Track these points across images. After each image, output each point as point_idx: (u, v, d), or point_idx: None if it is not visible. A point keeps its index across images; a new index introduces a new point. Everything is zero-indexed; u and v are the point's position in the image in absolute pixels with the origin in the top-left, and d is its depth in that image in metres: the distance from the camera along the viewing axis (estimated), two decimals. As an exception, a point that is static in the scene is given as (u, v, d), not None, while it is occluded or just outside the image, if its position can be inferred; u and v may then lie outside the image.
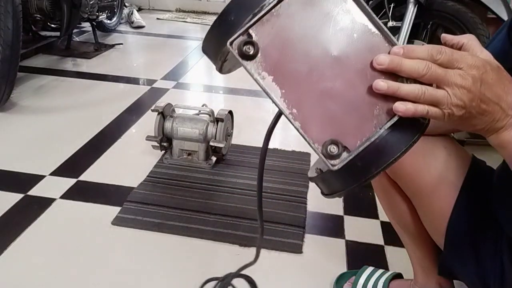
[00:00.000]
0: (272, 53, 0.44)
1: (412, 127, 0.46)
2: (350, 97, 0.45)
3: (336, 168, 0.45)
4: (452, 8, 1.69)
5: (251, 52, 0.44)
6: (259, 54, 0.44)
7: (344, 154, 0.45)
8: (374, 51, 0.44)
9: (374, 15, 0.44)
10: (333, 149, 0.44)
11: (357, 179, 0.46)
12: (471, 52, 0.49)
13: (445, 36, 0.52)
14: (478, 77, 0.44)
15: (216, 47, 0.48)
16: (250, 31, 0.44)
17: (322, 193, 0.52)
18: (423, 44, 1.78)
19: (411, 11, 1.73)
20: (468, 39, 0.50)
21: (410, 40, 1.78)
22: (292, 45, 0.44)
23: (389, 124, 0.44)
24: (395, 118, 0.44)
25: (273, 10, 0.44)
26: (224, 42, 0.44)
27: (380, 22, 0.45)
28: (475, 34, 1.61)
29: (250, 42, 0.44)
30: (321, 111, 0.45)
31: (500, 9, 1.58)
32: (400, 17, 1.78)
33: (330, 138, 0.45)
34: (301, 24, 0.44)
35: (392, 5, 1.83)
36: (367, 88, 0.45)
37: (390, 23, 1.82)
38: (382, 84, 0.43)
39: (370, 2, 2.00)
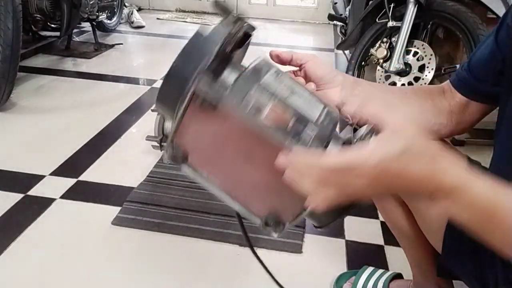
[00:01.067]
0: (200, 153, 0.48)
1: None
2: (274, 182, 0.46)
3: (277, 236, 0.50)
4: (452, 8, 1.68)
5: (181, 157, 0.47)
6: (189, 156, 0.48)
7: (281, 225, 0.49)
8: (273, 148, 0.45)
9: (263, 123, 0.45)
10: (270, 222, 0.49)
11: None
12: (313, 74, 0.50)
13: (279, 55, 0.55)
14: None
15: None
16: (175, 140, 0.46)
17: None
18: (423, 45, 1.79)
19: (411, 11, 1.73)
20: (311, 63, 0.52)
21: (410, 40, 1.78)
22: (212, 144, 0.48)
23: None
24: None
25: (184, 119, 0.45)
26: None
27: (269, 127, 0.45)
28: (475, 34, 1.60)
29: (177, 150, 0.47)
30: (255, 194, 0.49)
31: (500, 9, 1.58)
32: (400, 17, 1.78)
33: (266, 214, 0.49)
34: (210, 126, 0.46)
35: (392, 5, 1.82)
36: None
37: (390, 23, 1.82)
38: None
39: (370, 2, 2.00)
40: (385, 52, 1.83)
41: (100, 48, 2.99)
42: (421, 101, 0.71)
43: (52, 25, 2.55)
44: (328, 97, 0.62)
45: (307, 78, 0.63)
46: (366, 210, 1.41)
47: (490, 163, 0.70)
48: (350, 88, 0.65)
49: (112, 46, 3.09)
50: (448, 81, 0.74)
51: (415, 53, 1.81)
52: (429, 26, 1.88)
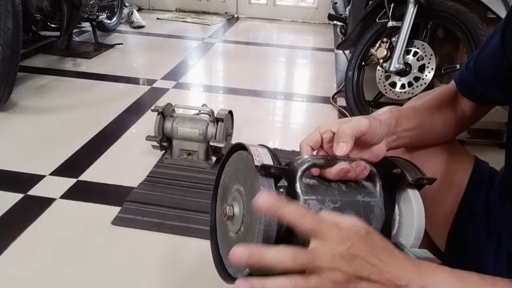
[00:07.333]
0: None
1: None
2: None
3: None
4: (452, 8, 1.69)
5: None
6: None
7: None
8: None
9: None
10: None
11: None
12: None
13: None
14: (347, 254, 0.39)
15: None
16: None
17: None
18: (423, 45, 1.79)
19: (411, 11, 1.73)
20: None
21: (410, 40, 1.78)
22: None
23: None
24: None
25: None
26: None
27: None
28: (475, 34, 1.60)
29: None
30: None
31: (500, 9, 1.58)
32: (400, 17, 1.78)
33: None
34: None
35: (392, 5, 1.82)
36: None
37: (390, 23, 1.82)
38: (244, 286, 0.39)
39: (370, 2, 2.00)
40: (385, 52, 1.83)
41: (100, 48, 2.99)
42: (444, 120, 0.70)
43: (52, 25, 2.56)
44: (375, 154, 0.58)
45: (358, 144, 0.56)
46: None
47: (502, 169, 0.69)
48: (391, 137, 0.61)
49: (112, 46, 3.09)
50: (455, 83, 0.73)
51: (415, 53, 1.81)
52: (429, 26, 1.88)
